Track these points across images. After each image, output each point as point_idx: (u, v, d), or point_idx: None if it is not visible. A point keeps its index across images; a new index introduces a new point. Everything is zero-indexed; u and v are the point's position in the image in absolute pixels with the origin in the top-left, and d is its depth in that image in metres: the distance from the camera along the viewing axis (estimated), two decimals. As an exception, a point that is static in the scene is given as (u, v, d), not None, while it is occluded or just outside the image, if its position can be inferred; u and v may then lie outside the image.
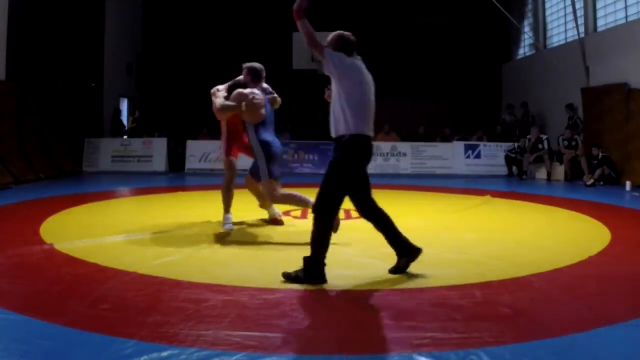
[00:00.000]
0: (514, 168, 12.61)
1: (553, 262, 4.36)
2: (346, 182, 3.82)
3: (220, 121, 5.90)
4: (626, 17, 11.07)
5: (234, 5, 16.69)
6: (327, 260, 3.96)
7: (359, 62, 3.93)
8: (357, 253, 4.79)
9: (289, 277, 3.77)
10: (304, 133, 15.82)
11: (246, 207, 6.46)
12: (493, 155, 13.25)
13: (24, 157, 10.87)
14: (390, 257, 4.57)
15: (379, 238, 5.44)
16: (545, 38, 14.88)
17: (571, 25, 12.77)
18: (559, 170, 11.81)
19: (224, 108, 5.50)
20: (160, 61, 16.69)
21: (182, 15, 16.84)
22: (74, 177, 11.84)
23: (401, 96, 16.26)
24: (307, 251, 4.27)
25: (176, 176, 12.59)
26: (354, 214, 6.97)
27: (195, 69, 16.64)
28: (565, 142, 11.71)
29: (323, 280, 3.73)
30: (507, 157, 12.76)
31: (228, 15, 16.72)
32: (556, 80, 13.42)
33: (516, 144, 12.68)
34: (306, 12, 3.80)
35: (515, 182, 11.48)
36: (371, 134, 3.89)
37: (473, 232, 5.76)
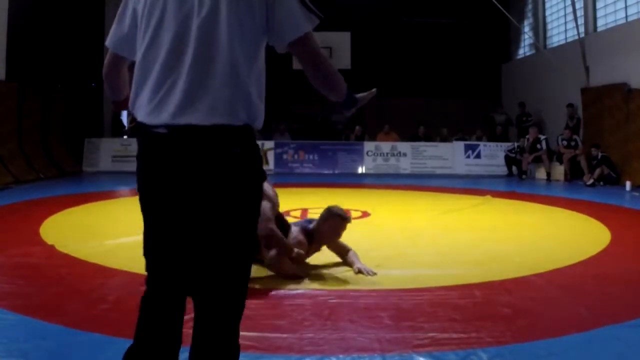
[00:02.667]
0: (514, 168, 12.60)
1: (553, 262, 4.36)
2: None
3: None
4: (626, 17, 11.06)
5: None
6: (323, 261, 3.98)
7: None
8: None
9: None
10: (304, 133, 15.83)
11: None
12: (493, 155, 13.25)
13: (24, 157, 10.87)
14: (390, 257, 4.58)
15: (377, 239, 5.47)
16: (545, 38, 14.88)
17: (571, 25, 12.76)
18: (559, 170, 11.80)
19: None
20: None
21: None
22: (74, 177, 11.84)
23: (401, 96, 16.26)
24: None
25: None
26: (354, 214, 6.98)
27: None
28: (565, 142, 11.71)
29: None
30: (507, 157, 12.76)
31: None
32: (556, 80, 13.42)
33: (516, 144, 12.68)
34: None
35: (515, 182, 11.48)
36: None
37: (473, 232, 5.76)
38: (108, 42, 1.88)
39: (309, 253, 4.12)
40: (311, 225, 4.10)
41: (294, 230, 4.06)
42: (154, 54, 1.70)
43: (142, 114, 1.73)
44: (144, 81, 1.72)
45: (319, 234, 4.04)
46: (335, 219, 3.98)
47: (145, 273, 1.96)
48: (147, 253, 1.92)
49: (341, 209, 4.05)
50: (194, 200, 1.70)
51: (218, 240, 1.72)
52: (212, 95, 1.65)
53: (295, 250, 3.94)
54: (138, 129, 1.76)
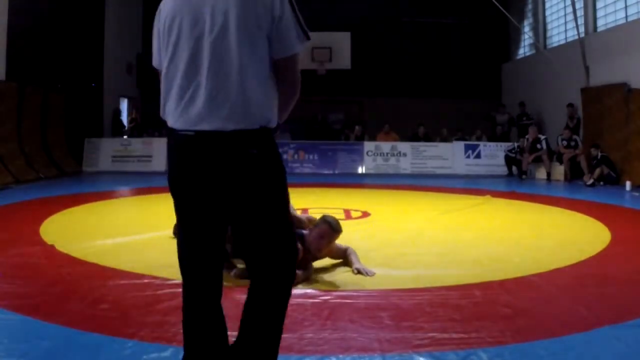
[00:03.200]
0: (514, 168, 12.60)
1: (553, 262, 4.36)
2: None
3: None
4: (626, 17, 11.06)
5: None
6: (322, 261, 4.00)
7: None
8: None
9: None
10: (304, 133, 15.83)
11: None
12: (493, 155, 13.25)
13: (24, 157, 10.87)
14: (390, 257, 4.58)
15: (377, 239, 5.46)
16: (545, 38, 14.88)
17: (571, 25, 12.76)
18: (559, 170, 11.80)
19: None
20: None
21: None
22: (74, 177, 11.84)
23: (401, 96, 16.26)
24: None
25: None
26: (354, 214, 6.98)
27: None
28: (565, 142, 11.71)
29: None
30: (507, 157, 12.76)
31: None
32: (556, 80, 13.42)
33: (516, 144, 12.68)
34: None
35: (515, 182, 11.47)
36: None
37: (473, 232, 5.76)
38: (154, 63, 2.13)
39: (306, 260, 4.08)
40: (305, 231, 4.09)
41: None
42: (174, 69, 1.95)
43: (171, 120, 1.97)
44: (169, 92, 1.97)
45: (308, 238, 3.97)
46: (324, 226, 3.91)
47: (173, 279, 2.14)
48: (185, 251, 2.11)
49: (335, 220, 3.96)
50: (221, 195, 1.93)
51: (262, 227, 1.98)
52: (228, 105, 1.88)
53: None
54: (169, 133, 2.00)
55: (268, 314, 2.04)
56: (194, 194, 1.96)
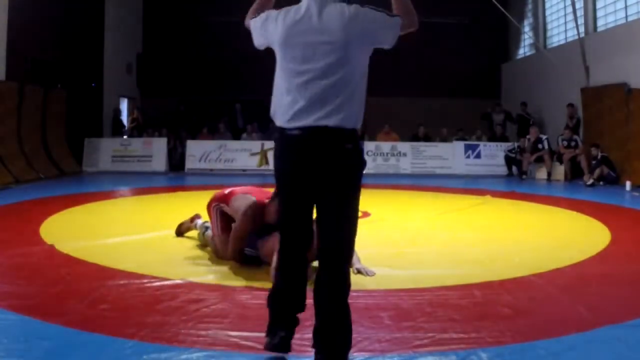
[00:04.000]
0: (514, 168, 12.61)
1: (553, 262, 4.36)
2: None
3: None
4: (626, 17, 11.06)
5: (234, 5, 16.68)
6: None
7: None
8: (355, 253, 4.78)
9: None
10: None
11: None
12: (493, 155, 13.24)
13: (24, 157, 10.86)
14: (390, 257, 4.58)
15: (377, 239, 5.46)
16: (545, 38, 14.88)
17: (571, 25, 12.76)
18: (559, 170, 11.80)
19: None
20: (160, 61, 16.68)
21: (182, 15, 16.83)
22: (74, 177, 11.84)
23: (400, 95, 16.25)
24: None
25: (176, 176, 12.59)
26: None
27: (196, 69, 16.64)
28: (565, 142, 11.71)
29: (281, 347, 2.59)
30: (507, 157, 12.76)
31: (228, 15, 16.71)
32: (556, 80, 13.42)
33: (516, 144, 12.69)
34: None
35: (515, 182, 11.48)
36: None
37: (473, 232, 5.76)
38: (257, 42, 2.60)
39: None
40: None
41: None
42: (290, 80, 2.35)
43: (281, 121, 2.38)
44: (281, 98, 2.39)
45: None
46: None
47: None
48: (285, 221, 2.53)
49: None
50: (321, 179, 2.34)
51: (341, 211, 2.37)
52: (338, 109, 2.30)
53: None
54: (277, 131, 2.41)
55: (340, 288, 2.39)
56: (297, 177, 2.40)
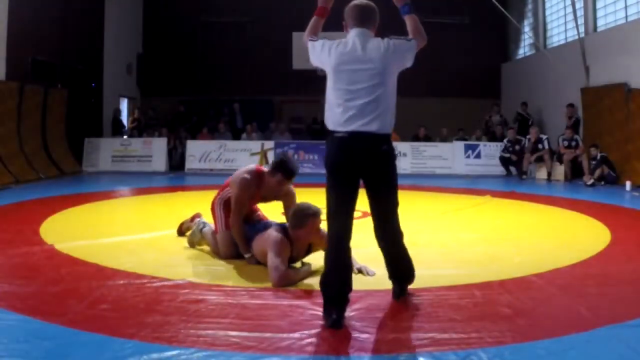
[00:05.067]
0: (512, 168, 12.61)
1: (553, 262, 4.36)
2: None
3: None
4: (626, 17, 11.06)
5: (234, 5, 16.69)
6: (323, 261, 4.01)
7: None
8: (355, 253, 4.76)
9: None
10: (304, 133, 15.82)
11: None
12: (493, 155, 13.23)
13: (24, 157, 10.86)
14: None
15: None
16: (545, 38, 14.88)
17: (571, 25, 12.76)
18: (559, 170, 11.80)
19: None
20: (160, 61, 16.69)
21: (182, 16, 16.84)
22: (74, 177, 11.84)
23: (400, 96, 16.22)
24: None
25: (176, 176, 12.59)
26: (354, 214, 6.97)
27: (196, 69, 16.64)
28: (566, 142, 11.70)
29: (332, 324, 2.99)
30: (501, 158, 12.76)
31: (228, 15, 16.72)
32: (556, 80, 13.42)
33: (506, 140, 12.70)
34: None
35: (515, 182, 11.47)
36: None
37: (473, 232, 5.76)
38: (314, 62, 3.31)
39: (297, 254, 4.09)
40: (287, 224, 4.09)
41: (273, 230, 4.00)
42: (341, 96, 3.05)
43: (332, 126, 3.07)
44: (333, 109, 3.08)
45: (296, 237, 3.98)
46: (308, 220, 3.92)
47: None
48: (335, 206, 3.10)
49: (308, 206, 3.97)
50: (365, 170, 3.08)
51: (385, 192, 3.20)
52: (377, 118, 3.02)
53: (246, 256, 4.25)
54: (328, 134, 3.10)
55: (398, 236, 3.34)
56: (344, 171, 3.08)
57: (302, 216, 3.94)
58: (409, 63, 3.21)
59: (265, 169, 4.42)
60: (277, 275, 3.69)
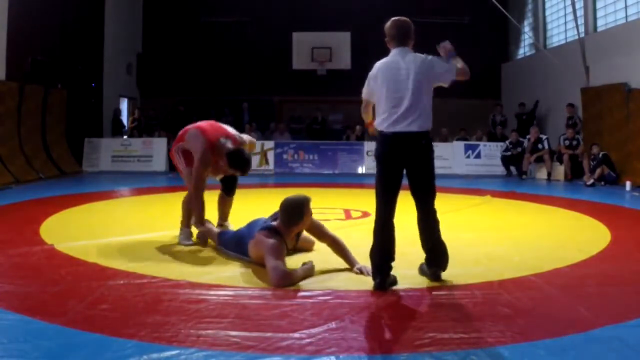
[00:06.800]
0: (513, 168, 12.61)
1: (553, 262, 4.36)
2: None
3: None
4: (626, 17, 11.06)
5: (234, 5, 16.70)
6: (324, 261, 4.04)
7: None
8: (355, 253, 4.76)
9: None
10: (304, 133, 15.83)
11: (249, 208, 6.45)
12: (493, 155, 13.24)
13: (24, 157, 10.87)
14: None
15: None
16: (545, 38, 14.88)
17: (571, 25, 12.77)
18: (559, 170, 11.80)
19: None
20: (160, 61, 16.69)
21: (182, 16, 16.84)
22: (74, 177, 11.84)
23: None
24: (308, 252, 4.29)
25: (176, 176, 12.57)
26: (354, 214, 6.98)
27: (195, 69, 16.64)
28: (567, 142, 11.70)
29: (380, 286, 3.63)
30: (502, 158, 12.76)
31: (228, 15, 16.72)
32: (556, 80, 13.42)
33: (507, 142, 12.70)
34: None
35: (515, 182, 11.47)
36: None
37: (473, 232, 5.76)
38: (364, 95, 3.97)
39: (289, 246, 4.20)
40: (274, 223, 4.11)
41: (262, 235, 4.01)
42: (386, 104, 3.71)
43: (381, 128, 3.73)
44: (381, 112, 3.74)
45: (290, 232, 4.09)
46: (305, 211, 4.05)
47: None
48: (383, 190, 3.77)
49: (297, 197, 4.12)
50: (409, 161, 3.74)
51: (424, 178, 3.82)
52: (416, 119, 3.67)
53: (199, 228, 4.89)
54: (379, 133, 3.76)
55: (434, 220, 3.93)
56: (394, 162, 3.74)
57: (299, 211, 4.03)
58: (444, 81, 3.83)
59: (223, 142, 4.86)
60: (277, 275, 3.70)
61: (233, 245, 4.51)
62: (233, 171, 4.87)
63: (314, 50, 15.57)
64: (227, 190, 5.41)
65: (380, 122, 3.76)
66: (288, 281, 3.70)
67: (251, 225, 4.41)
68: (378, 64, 3.87)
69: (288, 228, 4.05)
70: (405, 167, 3.74)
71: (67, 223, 6.08)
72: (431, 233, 3.84)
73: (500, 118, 14.89)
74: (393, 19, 3.99)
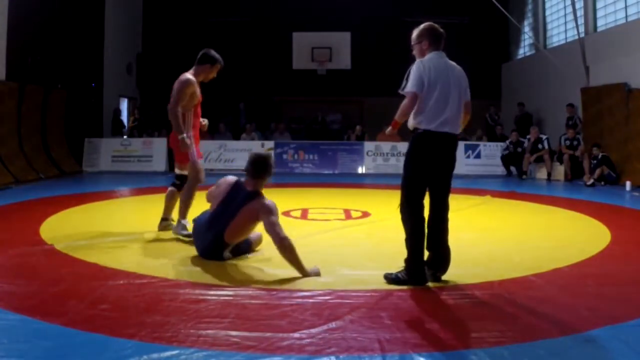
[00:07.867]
0: (513, 168, 12.61)
1: (553, 262, 4.36)
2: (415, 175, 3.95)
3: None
4: (626, 17, 11.06)
5: (234, 5, 16.70)
6: (323, 261, 4.03)
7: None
8: (355, 253, 4.78)
9: (389, 279, 3.80)
10: (304, 133, 15.83)
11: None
12: (493, 155, 13.24)
13: (24, 157, 10.87)
14: (390, 257, 4.57)
15: (377, 239, 5.46)
16: (545, 38, 14.88)
17: (571, 25, 12.76)
18: (560, 170, 11.80)
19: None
20: (160, 61, 16.69)
21: (182, 16, 16.84)
22: (74, 177, 11.84)
23: (401, 96, 16.24)
24: (308, 252, 4.29)
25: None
26: (354, 214, 6.98)
27: (195, 69, 16.64)
28: (568, 142, 11.70)
29: (423, 280, 3.76)
30: (503, 158, 12.76)
31: (228, 16, 16.73)
32: (556, 80, 13.42)
33: (508, 142, 12.71)
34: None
35: (515, 182, 11.48)
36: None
37: (473, 232, 5.76)
38: (416, 89, 3.90)
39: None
40: (249, 189, 4.30)
41: (258, 202, 4.23)
42: (435, 105, 3.84)
43: (430, 126, 3.83)
44: (427, 111, 3.84)
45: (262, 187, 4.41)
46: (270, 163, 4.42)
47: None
48: (415, 183, 3.89)
49: (259, 154, 4.49)
50: (445, 163, 3.93)
51: (449, 178, 3.97)
52: (458, 123, 3.97)
53: (181, 137, 5.46)
54: (424, 132, 3.85)
55: (445, 216, 3.94)
56: (433, 159, 3.89)
57: (268, 163, 4.39)
58: (465, 96, 4.10)
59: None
60: (282, 232, 4.00)
61: (208, 224, 4.40)
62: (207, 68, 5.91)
63: (314, 50, 15.57)
64: (180, 186, 5.55)
65: (427, 121, 3.84)
66: (290, 242, 3.95)
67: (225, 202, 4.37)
68: (427, 63, 3.94)
69: (264, 184, 4.40)
70: (438, 166, 3.87)
71: (67, 223, 6.08)
72: (442, 237, 3.86)
73: (495, 118, 14.95)
74: (429, 23, 4.14)
